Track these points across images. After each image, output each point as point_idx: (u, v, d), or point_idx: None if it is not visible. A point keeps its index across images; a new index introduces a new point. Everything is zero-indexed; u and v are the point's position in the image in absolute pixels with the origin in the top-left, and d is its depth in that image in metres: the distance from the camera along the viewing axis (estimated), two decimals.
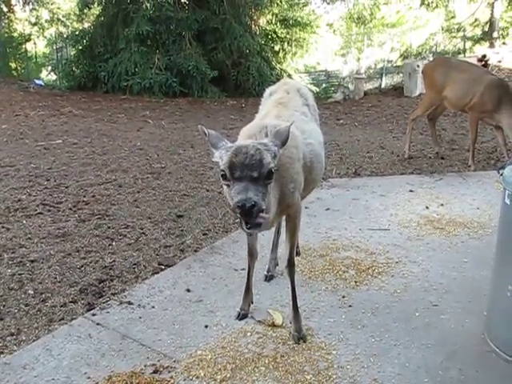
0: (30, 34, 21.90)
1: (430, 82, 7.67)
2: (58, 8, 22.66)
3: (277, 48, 18.00)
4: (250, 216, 2.31)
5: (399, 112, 12.32)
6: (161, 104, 13.51)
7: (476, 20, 23.74)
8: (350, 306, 3.60)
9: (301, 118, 3.38)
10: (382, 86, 18.35)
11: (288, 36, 18.13)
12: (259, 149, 2.44)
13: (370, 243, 4.63)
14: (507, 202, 3.01)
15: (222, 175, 2.47)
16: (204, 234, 4.98)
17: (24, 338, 3.30)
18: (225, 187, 2.53)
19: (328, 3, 23.48)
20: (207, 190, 6.27)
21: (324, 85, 19.66)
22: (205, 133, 2.63)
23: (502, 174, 3.12)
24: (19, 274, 4.11)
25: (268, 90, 3.82)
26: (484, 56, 15.42)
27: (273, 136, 2.62)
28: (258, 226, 2.38)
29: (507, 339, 3.07)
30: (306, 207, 5.36)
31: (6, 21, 20.52)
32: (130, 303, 3.63)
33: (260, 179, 2.38)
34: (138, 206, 5.71)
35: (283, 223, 3.49)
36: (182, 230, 5.07)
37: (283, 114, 3.26)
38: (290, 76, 16.80)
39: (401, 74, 17.05)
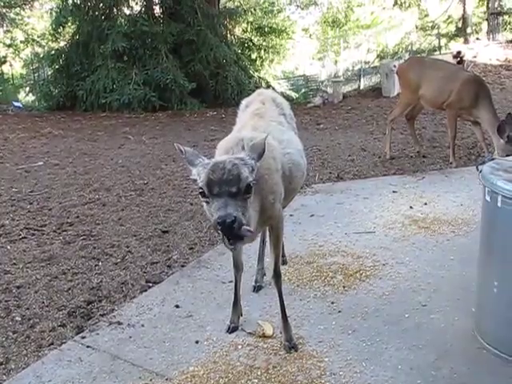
0: (5, 56, 21.76)
1: (405, 82, 7.74)
2: (33, 28, 22.57)
3: (254, 56, 18.07)
4: (231, 232, 2.31)
5: (379, 113, 12.38)
6: (141, 119, 13.47)
7: (449, 17, 24.07)
8: (339, 311, 3.61)
9: (278, 127, 3.38)
10: (361, 87, 18.50)
11: (264, 43, 18.24)
12: (236, 164, 2.43)
13: (356, 247, 4.65)
14: (487, 199, 3.05)
15: (200, 192, 2.47)
16: (190, 249, 4.97)
17: (13, 367, 3.26)
18: (204, 204, 2.53)
19: (302, 8, 23.68)
20: (191, 204, 6.26)
21: (303, 90, 19.78)
22: (181, 151, 2.61)
23: (480, 171, 3.16)
24: (5, 301, 4.06)
25: (244, 102, 3.83)
26: (459, 52, 15.58)
27: (249, 149, 2.62)
28: (241, 240, 2.39)
29: (496, 335, 3.10)
30: (290, 215, 5.38)
31: None
32: (119, 323, 3.61)
33: (239, 194, 2.38)
34: (123, 224, 5.69)
35: (268, 232, 3.50)
36: (168, 246, 5.05)
37: (260, 125, 3.26)
38: (268, 83, 16.89)
39: (378, 75, 17.17)
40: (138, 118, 13.69)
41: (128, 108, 14.27)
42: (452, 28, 24.18)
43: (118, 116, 13.84)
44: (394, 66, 13.88)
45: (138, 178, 7.59)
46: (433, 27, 24.45)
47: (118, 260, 4.79)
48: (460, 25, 22.21)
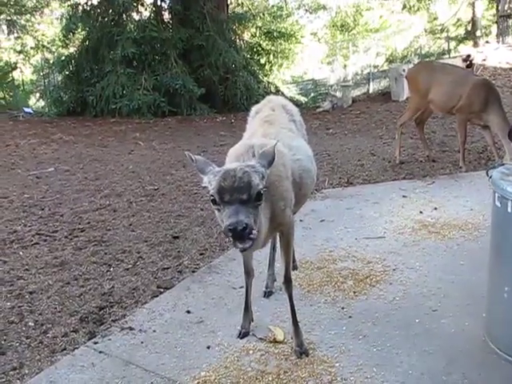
0: (16, 62, 21.97)
1: (414, 86, 7.74)
2: (43, 35, 22.78)
3: (263, 61, 18.15)
4: (241, 238, 2.35)
5: (388, 117, 12.39)
6: (150, 125, 13.56)
7: (458, 20, 24.02)
8: (350, 316, 3.62)
9: (288, 134, 3.41)
10: (370, 91, 18.48)
11: (273, 48, 18.31)
12: (247, 171, 2.46)
13: (366, 252, 4.66)
14: (497, 204, 3.06)
15: (211, 200, 2.50)
16: (201, 254, 4.99)
17: (27, 372, 3.30)
18: (216, 212, 2.55)
19: (311, 13, 23.73)
20: (201, 209, 6.30)
21: (312, 94, 19.78)
22: (192, 159, 2.65)
23: (490, 177, 3.17)
24: (19, 307, 4.10)
25: (254, 109, 3.85)
26: (468, 56, 15.54)
27: (259, 156, 2.65)
28: (250, 246, 2.42)
29: (507, 340, 3.10)
30: (300, 220, 5.39)
31: None
32: (131, 329, 3.64)
33: (250, 201, 2.41)
34: (134, 230, 5.73)
35: (279, 238, 3.52)
36: (178, 252, 5.08)
37: (270, 131, 3.29)
38: (277, 88, 16.94)
39: (387, 79, 17.16)
40: (148, 123, 13.78)
41: (138, 113, 14.38)
42: (461, 31, 24.14)
43: (128, 121, 13.94)
44: (404, 70, 13.93)
45: (149, 184, 7.65)
46: (442, 30, 24.41)
47: (130, 266, 4.82)
48: (469, 28, 22.18)
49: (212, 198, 2.49)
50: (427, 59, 19.98)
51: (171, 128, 13.18)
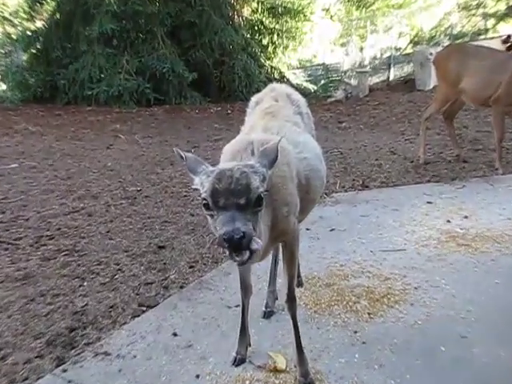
0: None
1: (443, 73, 7.74)
2: (3, 4, 22.62)
3: (265, 41, 18.15)
4: (238, 249, 2.32)
5: (411, 110, 12.42)
6: (133, 115, 13.57)
7: None
8: (363, 342, 3.62)
9: (293, 129, 3.42)
10: (391, 78, 18.51)
11: (277, 26, 18.28)
12: (245, 172, 2.44)
13: (383, 267, 4.68)
14: None
15: (204, 204, 2.48)
16: (190, 267, 5.00)
17: None
18: (208, 218, 2.53)
19: None
20: (192, 215, 6.32)
21: (323, 81, 19.77)
22: (181, 156, 2.64)
23: None
24: None
25: (254, 99, 3.87)
26: (509, 37, 15.50)
27: (260, 155, 2.64)
28: (249, 259, 2.41)
29: None
30: (307, 229, 5.41)
31: None
32: (107, 354, 3.64)
33: (248, 207, 2.39)
34: (112, 238, 5.74)
35: (281, 249, 3.52)
36: (164, 264, 5.10)
37: (272, 125, 3.30)
38: (281, 74, 16.96)
39: (411, 64, 17.18)
40: (130, 113, 13.80)
41: (118, 101, 14.37)
42: (502, 6, 24.00)
43: (107, 111, 13.94)
44: (431, 54, 13.93)
45: (130, 184, 7.68)
46: (478, 6, 24.28)
47: (107, 280, 4.82)
48: None
49: (204, 202, 2.47)
50: (459, 41, 19.94)
51: (157, 119, 13.20)
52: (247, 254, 2.37)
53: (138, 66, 14.83)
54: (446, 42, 18.70)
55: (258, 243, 2.40)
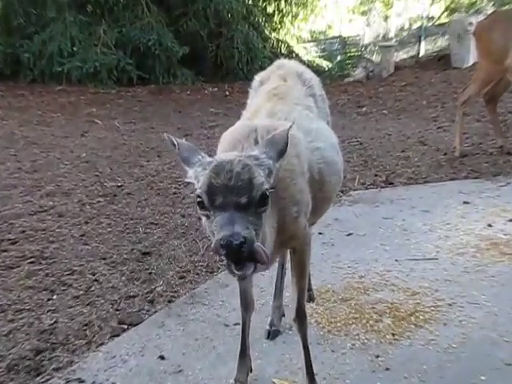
0: None
1: (485, 47, 7.69)
2: None
3: (270, 9, 18.14)
4: (239, 257, 2.26)
5: (445, 91, 12.41)
6: (112, 96, 13.58)
7: None
8: (386, 368, 3.62)
9: (304, 114, 3.43)
10: (421, 54, 18.49)
11: None
12: (248, 165, 2.41)
13: (410, 279, 4.69)
14: None
15: (198, 203, 2.45)
16: (181, 278, 5.02)
17: None
18: (203, 219, 2.51)
19: None
20: (182, 216, 6.35)
21: (339, 57, 19.80)
22: (173, 144, 2.63)
23: None
24: None
25: (258, 78, 3.88)
26: None
27: (265, 144, 2.62)
28: (253, 267, 2.38)
29: None
30: (320, 233, 5.43)
31: None
32: (80, 381, 3.64)
33: (250, 206, 2.35)
34: (87, 243, 5.75)
35: (290, 257, 3.52)
36: (149, 274, 5.11)
37: (279, 109, 3.30)
38: (290, 48, 16.95)
39: (446, 37, 17.15)
40: (109, 93, 13.80)
41: (94, 80, 14.36)
42: None
43: (80, 91, 13.93)
44: (470, 24, 13.86)
45: (109, 179, 7.70)
46: None
47: (80, 292, 4.83)
48: None
49: (199, 199, 2.44)
50: (506, 7, 19.77)
51: (141, 101, 13.21)
52: (251, 267, 2.34)
53: (117, 37, 14.82)
54: (490, 9, 18.60)
55: (261, 254, 2.33)
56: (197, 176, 2.49)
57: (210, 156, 2.60)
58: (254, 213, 2.37)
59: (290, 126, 2.65)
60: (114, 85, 14.35)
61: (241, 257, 2.25)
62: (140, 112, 12.19)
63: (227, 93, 13.82)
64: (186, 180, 2.60)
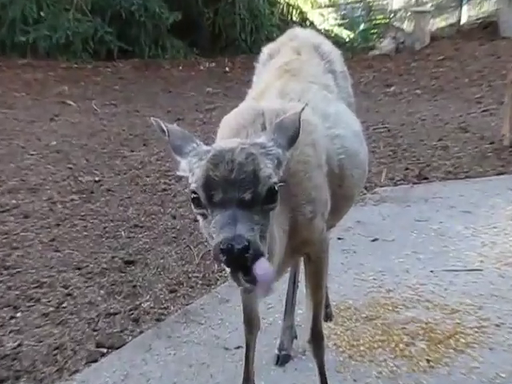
0: None
1: None
2: None
3: None
4: (241, 264, 2.22)
5: (492, 67, 12.40)
6: (88, 72, 13.58)
7: None
8: None
9: (322, 94, 3.44)
10: (462, 21, 18.45)
11: None
12: (252, 154, 2.40)
13: (449, 295, 4.69)
14: None
15: (193, 200, 2.43)
16: (171, 292, 5.03)
17: None
18: (200, 219, 2.50)
19: None
20: (173, 217, 6.36)
21: (363, 26, 19.78)
22: (163, 130, 2.61)
23: None
24: None
25: (266, 50, 3.90)
26: None
27: (274, 130, 2.60)
28: (263, 280, 2.35)
29: None
30: (339, 238, 5.44)
31: None
32: None
33: (256, 203, 2.33)
34: (59, 249, 5.76)
35: (303, 266, 3.52)
36: (134, 287, 5.12)
37: (291, 89, 3.31)
38: (303, 15, 16.94)
39: (494, 0, 17.11)
40: (84, 69, 13.80)
41: (66, 52, 14.33)
42: None
43: (49, 65, 13.91)
44: None
45: (85, 173, 7.72)
46: None
47: (50, 309, 4.83)
48: None
49: (194, 195, 2.42)
50: None
51: (123, 79, 13.23)
52: (256, 285, 2.28)
53: (94, 1, 14.77)
54: None
55: (263, 267, 2.27)
56: (191, 168, 2.47)
57: (207, 144, 2.58)
58: (260, 211, 2.34)
59: (303, 109, 2.63)
60: (90, 58, 14.33)
61: (244, 264, 2.21)
62: (122, 91, 12.20)
63: (227, 69, 13.85)
64: (179, 173, 2.60)
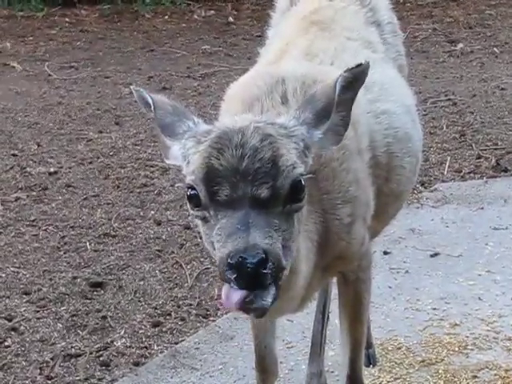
0: None
1: None
2: None
3: None
4: (256, 285, 2.15)
5: None
6: (39, 23, 13.63)
7: None
8: None
9: (362, 54, 3.45)
10: None
11: None
12: (270, 135, 2.38)
13: None
14: None
15: (189, 197, 2.41)
16: (155, 325, 5.06)
17: None
18: (199, 224, 2.53)
19: None
20: (158, 223, 6.40)
21: None
22: (146, 102, 2.60)
23: None
24: None
25: None
26: None
27: (301, 105, 2.59)
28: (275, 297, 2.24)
29: None
30: (385, 252, 5.47)
31: None
32: None
33: (275, 203, 2.31)
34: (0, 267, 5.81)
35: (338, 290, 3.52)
36: (103, 318, 5.15)
37: (322, 48, 3.34)
38: None
39: None
40: (33, 18, 13.86)
41: None
42: None
43: None
44: None
45: (35, 162, 7.74)
46: None
47: None
48: None
49: (191, 192, 2.40)
50: None
51: (87, 32, 13.27)
52: (272, 292, 2.19)
53: None
54: None
55: (271, 295, 2.20)
56: (187, 155, 2.45)
57: (207, 123, 2.54)
58: (281, 213, 2.31)
59: (339, 77, 2.48)
60: (42, 3, 14.39)
61: (262, 283, 2.14)
62: (86, 50, 12.23)
63: (231, 19, 13.82)
64: (168, 162, 2.62)
